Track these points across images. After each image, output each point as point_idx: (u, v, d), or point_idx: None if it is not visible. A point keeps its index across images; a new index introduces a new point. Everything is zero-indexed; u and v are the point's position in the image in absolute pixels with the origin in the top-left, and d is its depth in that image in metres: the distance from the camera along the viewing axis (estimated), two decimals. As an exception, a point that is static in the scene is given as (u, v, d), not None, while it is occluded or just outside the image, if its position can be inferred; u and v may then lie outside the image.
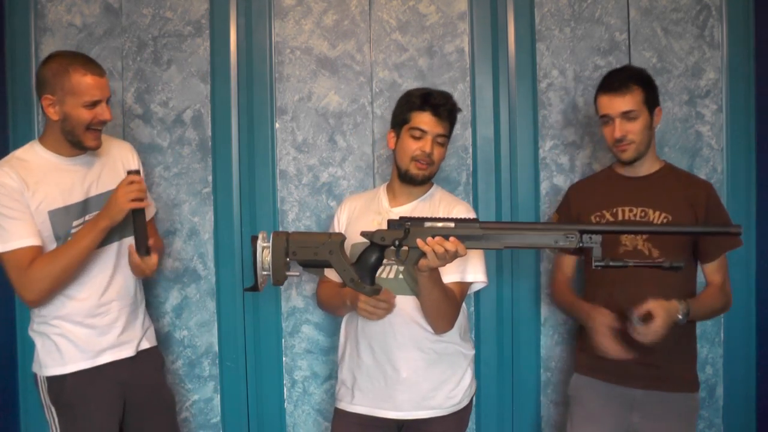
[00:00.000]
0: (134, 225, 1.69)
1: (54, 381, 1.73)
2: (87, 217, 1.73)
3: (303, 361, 2.22)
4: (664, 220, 1.74)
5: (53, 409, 1.74)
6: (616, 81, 1.76)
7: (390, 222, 1.51)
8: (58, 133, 1.68)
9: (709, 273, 1.80)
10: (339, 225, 1.86)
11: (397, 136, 1.77)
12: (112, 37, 2.20)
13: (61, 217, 1.69)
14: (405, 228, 1.49)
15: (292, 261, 1.50)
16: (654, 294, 1.65)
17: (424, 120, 1.72)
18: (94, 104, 1.66)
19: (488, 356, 2.18)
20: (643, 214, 1.77)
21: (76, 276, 1.70)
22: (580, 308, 1.79)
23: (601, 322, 1.69)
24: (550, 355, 2.22)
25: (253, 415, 2.22)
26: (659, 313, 1.60)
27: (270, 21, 2.19)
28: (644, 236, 1.75)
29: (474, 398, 1.85)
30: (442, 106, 1.72)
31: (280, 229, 2.19)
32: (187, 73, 2.18)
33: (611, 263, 1.46)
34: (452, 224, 1.48)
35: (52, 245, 1.68)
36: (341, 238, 1.50)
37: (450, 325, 1.71)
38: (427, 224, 1.49)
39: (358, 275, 1.49)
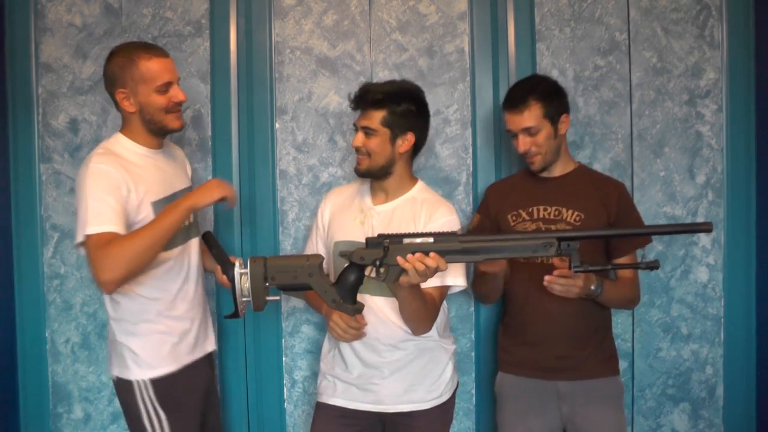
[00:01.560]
0: (213, 249, 1.70)
1: (161, 381, 1.69)
2: None
3: (303, 361, 2.22)
4: (577, 218, 1.82)
5: (161, 413, 1.69)
6: (515, 98, 1.81)
7: (368, 241, 1.51)
8: (139, 124, 1.69)
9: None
10: (322, 220, 1.88)
11: None
12: (112, 37, 2.20)
13: (162, 207, 1.66)
14: (384, 246, 1.48)
15: (271, 286, 1.50)
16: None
17: (357, 117, 1.78)
18: (166, 87, 1.67)
19: (488, 356, 2.18)
20: (557, 212, 1.84)
21: (156, 264, 1.67)
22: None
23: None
24: (550, 355, 2.22)
25: (253, 415, 2.22)
26: (577, 277, 1.65)
27: (270, 21, 2.19)
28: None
29: (455, 393, 1.87)
30: (360, 97, 1.75)
31: (278, 236, 2.19)
32: (187, 73, 2.18)
33: (590, 268, 1.50)
34: (431, 239, 1.48)
35: None
36: (319, 260, 1.51)
37: (429, 328, 1.73)
38: (406, 241, 1.48)
39: (339, 296, 1.50)
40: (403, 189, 1.80)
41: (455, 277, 1.73)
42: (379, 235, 1.51)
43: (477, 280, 1.96)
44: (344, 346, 1.78)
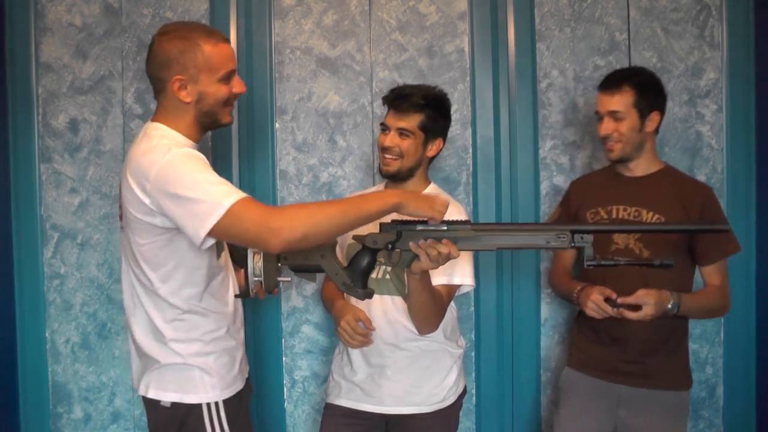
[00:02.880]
0: (265, 266, 1.53)
1: (231, 401, 1.54)
2: None
3: (303, 361, 2.22)
4: (657, 221, 1.76)
5: None
6: (611, 80, 1.80)
7: (382, 225, 1.51)
8: (191, 116, 1.47)
9: (706, 275, 1.81)
10: None
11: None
12: (112, 37, 2.20)
13: None
14: (397, 231, 1.49)
15: (283, 266, 1.49)
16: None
17: (387, 117, 1.78)
18: (229, 77, 1.48)
19: (488, 356, 2.18)
20: (636, 213, 1.79)
21: (215, 273, 1.50)
22: (573, 286, 1.81)
23: (593, 290, 1.70)
24: (550, 355, 2.22)
25: (253, 415, 2.22)
26: (648, 301, 1.62)
27: (270, 21, 2.19)
28: (636, 236, 1.77)
29: (463, 397, 1.86)
30: (397, 98, 1.75)
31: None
32: (187, 73, 2.18)
33: (602, 262, 1.48)
34: (444, 227, 1.48)
35: None
36: (332, 241, 1.50)
37: (435, 327, 1.72)
38: (419, 227, 1.49)
39: (350, 279, 1.49)
40: (419, 191, 1.80)
41: (463, 276, 1.72)
42: (393, 221, 1.51)
43: (556, 279, 1.95)
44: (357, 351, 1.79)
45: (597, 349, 1.83)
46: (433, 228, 1.48)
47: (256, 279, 1.49)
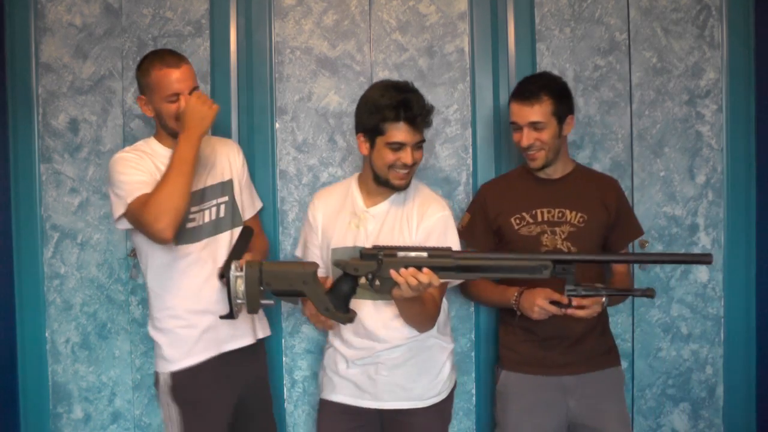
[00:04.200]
0: (235, 244, 1.73)
1: (180, 376, 1.76)
2: (204, 205, 1.80)
3: (303, 361, 2.22)
4: (580, 220, 1.84)
5: (177, 408, 1.76)
6: (528, 90, 1.81)
7: (363, 253, 1.52)
8: (160, 128, 1.79)
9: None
10: (315, 222, 1.85)
11: (371, 144, 1.71)
12: (112, 37, 2.20)
13: None
14: (378, 259, 1.50)
15: (266, 290, 1.52)
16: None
17: (401, 134, 1.66)
18: (176, 97, 1.71)
19: (488, 356, 2.18)
20: (560, 214, 1.85)
21: (180, 257, 1.75)
22: (507, 292, 1.81)
23: (536, 295, 1.70)
24: (550, 355, 2.22)
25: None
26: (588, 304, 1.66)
27: (270, 21, 2.19)
28: (563, 235, 1.83)
29: (453, 391, 1.87)
30: (418, 116, 1.67)
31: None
32: (187, 73, 2.18)
33: (583, 292, 1.53)
34: (425, 254, 1.49)
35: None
36: (314, 268, 1.53)
37: (431, 326, 1.74)
38: (401, 254, 1.50)
39: (333, 304, 1.52)
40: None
41: None
42: (374, 247, 1.53)
43: (483, 291, 1.93)
44: (345, 343, 1.79)
45: (531, 346, 1.86)
46: (414, 255, 1.49)
47: (239, 302, 1.52)
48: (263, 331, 1.92)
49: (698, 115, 2.19)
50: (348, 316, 1.53)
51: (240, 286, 1.50)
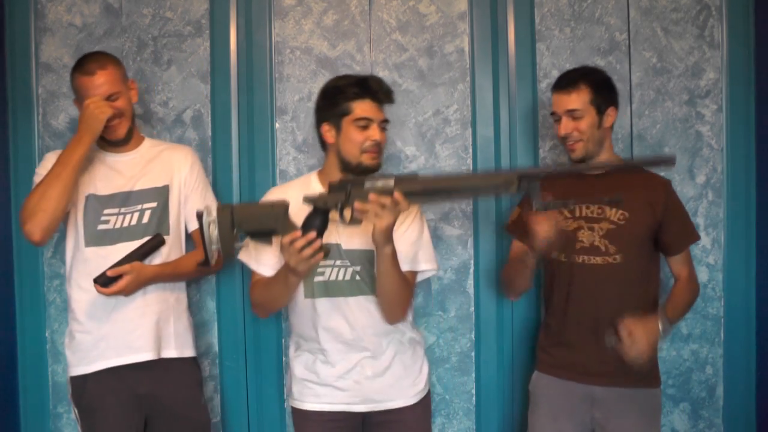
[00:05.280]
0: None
1: (76, 381, 1.79)
2: (124, 209, 1.80)
3: (303, 361, 2.22)
4: (621, 217, 1.78)
5: (76, 411, 1.80)
6: (566, 79, 1.81)
7: (331, 185, 1.54)
8: None
9: (674, 264, 1.85)
10: None
11: (337, 129, 1.70)
12: (112, 37, 2.20)
13: (94, 202, 1.80)
14: (347, 190, 1.52)
15: (238, 232, 1.53)
16: (613, 293, 1.73)
17: (367, 108, 1.68)
18: (80, 102, 1.75)
19: (488, 356, 2.18)
20: (600, 210, 1.81)
21: (82, 260, 1.78)
22: (519, 248, 1.82)
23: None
24: (550, 355, 2.22)
25: (253, 415, 2.22)
26: (639, 337, 1.64)
27: (270, 21, 2.19)
28: (601, 232, 1.78)
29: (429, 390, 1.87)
30: (379, 91, 1.71)
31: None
32: (187, 73, 2.19)
33: (551, 205, 1.54)
34: (392, 181, 1.51)
35: (79, 225, 1.80)
36: (285, 204, 1.54)
37: (404, 314, 1.74)
38: (368, 184, 1.52)
39: None
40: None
41: (426, 261, 1.74)
42: (341, 180, 1.55)
43: (507, 268, 1.93)
44: (326, 348, 1.74)
45: (565, 350, 1.83)
46: (381, 184, 1.51)
47: (215, 247, 1.53)
48: (177, 351, 1.82)
49: (698, 115, 2.19)
50: (323, 248, 1.52)
51: (213, 231, 1.51)
